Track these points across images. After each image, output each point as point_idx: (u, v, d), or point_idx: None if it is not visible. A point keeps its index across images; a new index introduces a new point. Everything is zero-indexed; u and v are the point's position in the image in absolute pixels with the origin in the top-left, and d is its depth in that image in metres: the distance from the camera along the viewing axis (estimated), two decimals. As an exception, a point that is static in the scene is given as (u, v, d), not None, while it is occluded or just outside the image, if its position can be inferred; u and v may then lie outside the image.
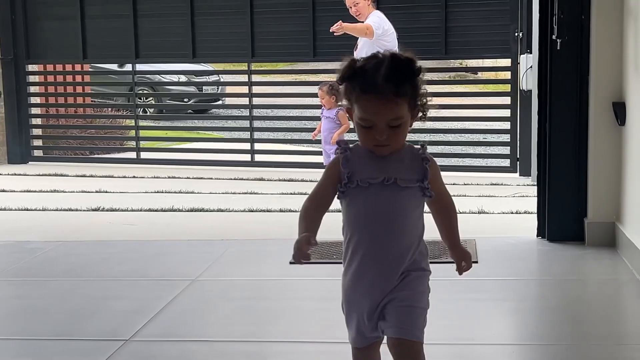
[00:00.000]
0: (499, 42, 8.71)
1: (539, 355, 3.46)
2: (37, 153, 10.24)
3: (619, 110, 4.79)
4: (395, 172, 2.37)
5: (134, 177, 8.79)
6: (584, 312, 4.01)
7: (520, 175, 8.59)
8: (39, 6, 9.83)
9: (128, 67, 11.46)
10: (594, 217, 5.03)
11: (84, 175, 8.84)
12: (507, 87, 8.99)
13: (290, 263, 4.35)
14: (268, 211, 6.51)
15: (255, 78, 9.94)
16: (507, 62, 8.83)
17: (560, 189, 5.14)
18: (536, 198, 5.37)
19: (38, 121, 10.42)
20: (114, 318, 3.94)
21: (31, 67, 10.13)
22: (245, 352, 3.54)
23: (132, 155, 10.08)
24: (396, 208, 2.39)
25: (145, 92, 14.17)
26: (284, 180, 8.39)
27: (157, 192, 7.66)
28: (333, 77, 7.96)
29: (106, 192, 7.66)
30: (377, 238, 2.39)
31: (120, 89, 13.52)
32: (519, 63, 8.52)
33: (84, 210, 6.67)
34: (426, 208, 2.49)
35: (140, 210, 6.66)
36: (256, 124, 9.96)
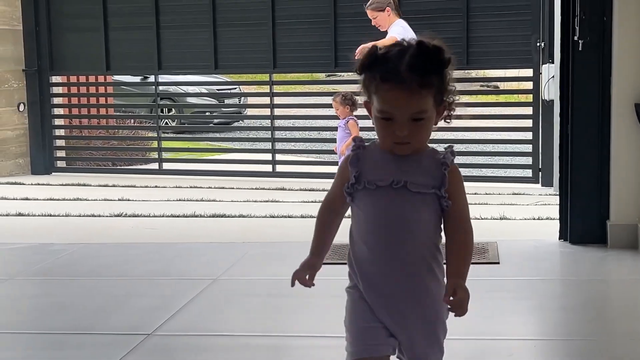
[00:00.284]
0: (520, 52, 8.70)
1: (560, 350, 3.45)
2: (60, 164, 10.32)
3: (642, 112, 4.78)
4: (406, 174, 2.13)
5: (156, 186, 8.85)
6: (606, 310, 4.00)
7: (542, 185, 8.56)
8: (63, 18, 9.93)
9: (149, 79, 11.57)
10: (616, 219, 5.00)
11: (106, 185, 8.90)
12: (529, 97, 8.98)
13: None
14: (289, 217, 6.53)
15: (277, 89, 9.96)
16: (529, 72, 8.82)
17: (582, 191, 5.12)
18: (558, 201, 5.35)
19: (61, 132, 10.51)
20: (137, 314, 3.96)
21: (55, 79, 10.23)
22: (266, 346, 3.55)
23: (155, 166, 10.14)
24: (406, 215, 2.13)
25: (168, 104, 14.29)
26: (305, 189, 8.40)
27: (179, 200, 7.69)
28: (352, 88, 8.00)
29: (128, 200, 7.71)
30: (384, 247, 2.15)
31: (143, 100, 13.62)
32: (540, 73, 8.50)
33: (107, 216, 6.71)
34: None
35: (162, 216, 6.69)
36: (277, 134, 10.00)
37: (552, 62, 7.97)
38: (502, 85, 15.04)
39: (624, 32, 4.86)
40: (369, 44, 7.39)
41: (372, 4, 7.49)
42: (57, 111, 10.34)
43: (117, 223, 6.48)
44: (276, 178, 9.31)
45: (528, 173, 8.87)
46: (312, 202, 7.34)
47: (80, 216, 6.78)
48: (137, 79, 12.45)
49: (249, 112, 15.08)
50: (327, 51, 9.19)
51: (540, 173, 8.66)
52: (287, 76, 11.65)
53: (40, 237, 5.86)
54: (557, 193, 5.60)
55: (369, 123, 4.83)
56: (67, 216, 6.77)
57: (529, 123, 8.84)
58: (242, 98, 15.07)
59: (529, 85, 8.97)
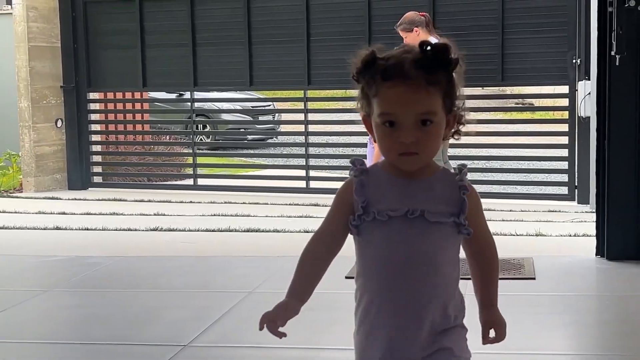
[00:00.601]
0: (556, 68, 8.66)
1: (598, 365, 3.43)
2: (97, 179, 10.43)
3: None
4: (422, 202, 1.85)
5: (190, 202, 8.91)
6: (645, 326, 3.95)
7: (578, 202, 8.49)
8: (100, 35, 10.06)
9: (184, 96, 11.67)
10: (654, 236, 4.96)
11: (142, 200, 8.98)
12: (564, 114, 8.93)
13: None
14: (324, 232, 6.52)
15: (311, 106, 10.00)
16: (564, 89, 8.77)
17: (619, 207, 5.08)
18: (594, 218, 5.31)
19: (98, 148, 10.61)
20: (173, 325, 3.99)
21: (92, 95, 10.35)
22: (299, 358, 3.55)
23: (189, 182, 10.21)
24: (423, 249, 1.85)
25: (203, 120, 14.40)
26: (340, 205, 8.38)
27: (214, 215, 7.74)
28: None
29: (164, 214, 7.77)
30: (398, 287, 1.86)
31: (178, 117, 13.73)
32: (576, 90, 8.45)
33: (143, 230, 6.77)
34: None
35: (198, 231, 6.74)
36: (311, 150, 10.03)
37: (588, 79, 7.93)
38: (538, 102, 14.98)
39: (661, 47, 4.84)
40: None
41: (401, 24, 7.46)
42: (94, 127, 10.45)
43: (153, 237, 6.54)
44: (310, 194, 9.33)
45: (564, 190, 8.81)
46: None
47: (116, 230, 6.85)
48: (173, 95, 12.57)
49: (283, 128, 15.15)
50: (361, 68, 9.19)
51: (576, 190, 8.59)
52: (321, 93, 11.70)
53: (77, 250, 5.92)
54: (594, 210, 5.57)
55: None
56: (104, 230, 6.83)
57: (564, 140, 8.78)
58: (277, 114, 15.15)
59: (564, 102, 8.92)
